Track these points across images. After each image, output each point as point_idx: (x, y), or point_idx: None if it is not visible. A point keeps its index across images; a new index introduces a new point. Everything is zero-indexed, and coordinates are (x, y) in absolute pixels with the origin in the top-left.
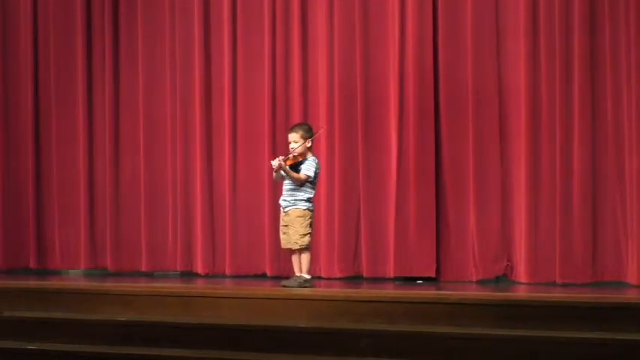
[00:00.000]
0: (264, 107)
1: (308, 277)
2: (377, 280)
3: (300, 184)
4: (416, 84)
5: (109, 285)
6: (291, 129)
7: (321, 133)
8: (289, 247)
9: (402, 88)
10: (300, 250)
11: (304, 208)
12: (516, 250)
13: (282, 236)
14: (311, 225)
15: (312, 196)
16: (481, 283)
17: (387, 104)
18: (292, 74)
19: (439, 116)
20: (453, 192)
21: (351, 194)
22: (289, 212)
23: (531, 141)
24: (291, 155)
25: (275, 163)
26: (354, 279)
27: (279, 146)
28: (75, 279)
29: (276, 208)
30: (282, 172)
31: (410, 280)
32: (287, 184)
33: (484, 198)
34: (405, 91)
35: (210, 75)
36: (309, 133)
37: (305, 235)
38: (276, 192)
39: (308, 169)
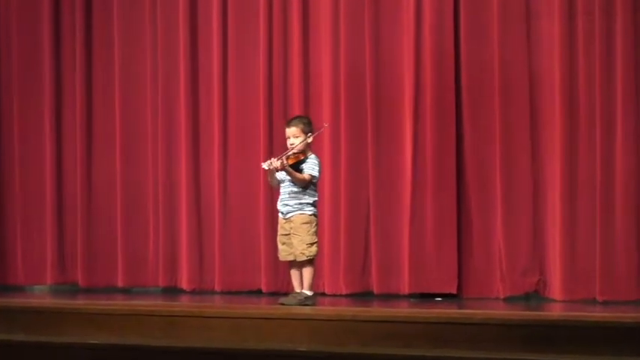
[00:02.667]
0: (259, 100)
1: (310, 293)
2: (389, 297)
3: (304, 186)
4: (434, 72)
5: (80, 303)
6: (289, 122)
7: (323, 130)
8: (290, 259)
9: (418, 77)
10: (305, 263)
11: (310, 213)
12: (550, 262)
13: (281, 247)
14: (316, 233)
15: (317, 199)
16: (509, 300)
17: (401, 95)
18: (291, 61)
19: (461, 109)
20: (477, 196)
21: (359, 198)
22: (293, 219)
23: (567, 137)
24: (291, 153)
25: (266, 165)
26: (363, 296)
27: (275, 144)
28: (41, 296)
29: (273, 215)
30: (278, 175)
31: (427, 297)
32: (287, 187)
33: (513, 202)
34: (422, 81)
35: (197, 62)
36: (309, 127)
37: (312, 244)
38: (273, 196)
39: (312, 168)
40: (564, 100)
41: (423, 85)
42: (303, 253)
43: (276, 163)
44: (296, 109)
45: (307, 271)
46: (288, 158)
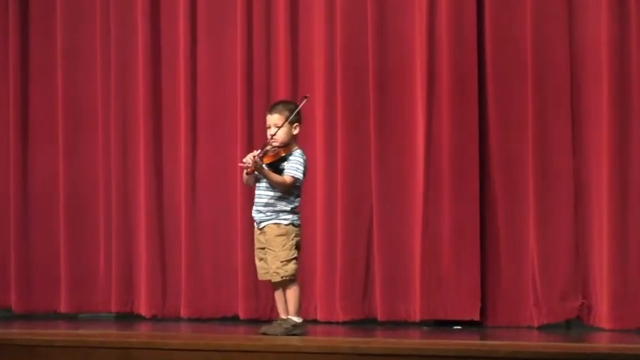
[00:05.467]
0: (236, 80)
1: (298, 320)
2: (396, 324)
3: (284, 190)
4: (452, 47)
5: (15, 332)
6: (271, 109)
7: (304, 102)
8: (268, 278)
9: (432, 54)
10: (284, 284)
11: (287, 222)
12: (596, 282)
13: (258, 264)
14: (297, 246)
15: (298, 204)
16: (545, 329)
17: (412, 77)
18: (276, 34)
19: (485, 95)
20: (504, 201)
21: (360, 205)
22: (266, 229)
23: (617, 129)
24: (269, 147)
25: (248, 160)
26: (365, 323)
27: (256, 135)
28: None
29: (253, 223)
30: (256, 174)
31: (444, 326)
32: (261, 189)
33: (549, 210)
34: (437, 58)
35: (159, 33)
36: (297, 116)
37: (289, 261)
38: (253, 200)
39: (295, 168)
40: (613, 84)
41: (438, 65)
42: (277, 273)
43: (248, 160)
44: (281, 92)
45: (291, 294)
46: (264, 155)
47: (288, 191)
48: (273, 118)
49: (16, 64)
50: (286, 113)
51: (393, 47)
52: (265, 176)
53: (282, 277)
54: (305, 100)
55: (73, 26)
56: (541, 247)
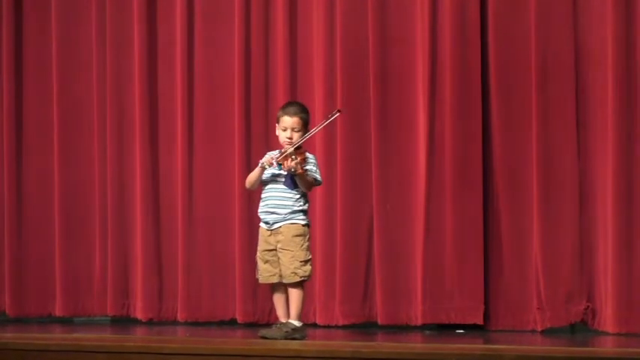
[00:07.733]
0: (234, 81)
1: (298, 324)
2: (398, 329)
3: (308, 190)
4: (455, 45)
5: (9, 336)
6: (291, 110)
7: (334, 118)
8: (274, 280)
9: (434, 53)
10: (294, 286)
11: (304, 223)
12: (600, 285)
13: (262, 266)
14: (310, 248)
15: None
16: (549, 333)
17: (413, 76)
18: (274, 30)
19: (488, 93)
20: (508, 202)
21: (360, 207)
22: (282, 229)
23: (623, 127)
24: (292, 149)
25: (265, 162)
26: (365, 327)
27: (254, 136)
28: None
29: (251, 225)
30: (267, 173)
31: (446, 329)
32: (274, 190)
33: (554, 210)
34: (439, 57)
35: (156, 31)
36: (307, 116)
37: (306, 261)
38: (252, 201)
39: (316, 170)
40: (619, 81)
41: (440, 63)
42: (296, 273)
43: (290, 163)
44: (280, 92)
45: (296, 297)
46: (297, 157)
47: (307, 193)
48: (294, 121)
49: (10, 63)
50: (305, 117)
51: (395, 45)
52: (301, 180)
53: (301, 278)
54: (336, 115)
55: (69, 26)
56: (545, 249)
